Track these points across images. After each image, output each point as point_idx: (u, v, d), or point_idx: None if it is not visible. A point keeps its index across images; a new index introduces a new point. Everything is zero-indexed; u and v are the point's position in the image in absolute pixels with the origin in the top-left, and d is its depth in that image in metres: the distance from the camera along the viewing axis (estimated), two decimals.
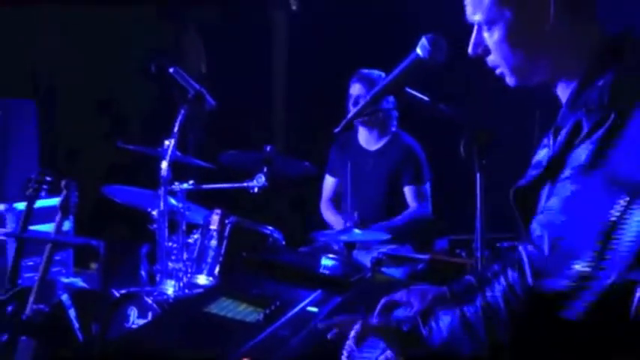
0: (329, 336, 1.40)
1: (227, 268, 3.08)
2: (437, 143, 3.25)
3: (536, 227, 1.28)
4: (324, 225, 3.81)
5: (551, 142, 1.38)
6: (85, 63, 4.98)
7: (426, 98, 1.92)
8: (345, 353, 1.39)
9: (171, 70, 3.12)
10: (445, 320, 1.33)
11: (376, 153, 3.76)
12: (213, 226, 3.15)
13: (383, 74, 3.44)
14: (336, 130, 1.87)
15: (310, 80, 4.64)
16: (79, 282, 3.87)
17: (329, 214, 3.85)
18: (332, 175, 3.90)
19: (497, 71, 1.44)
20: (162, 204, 3.08)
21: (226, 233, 3.13)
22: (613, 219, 1.20)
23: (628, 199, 1.20)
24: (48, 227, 3.55)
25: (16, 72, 4.79)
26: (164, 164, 3.06)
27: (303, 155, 3.56)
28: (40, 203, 3.34)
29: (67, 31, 5.02)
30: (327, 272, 1.92)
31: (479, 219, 2.00)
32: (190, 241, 3.21)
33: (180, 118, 3.10)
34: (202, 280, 3.11)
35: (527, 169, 1.45)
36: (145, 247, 3.34)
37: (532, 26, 1.36)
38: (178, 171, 3.20)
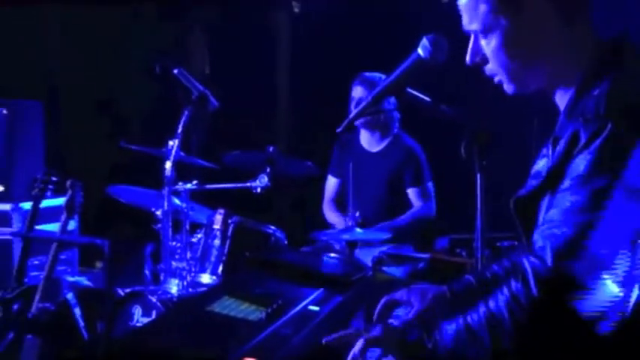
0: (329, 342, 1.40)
1: (230, 267, 3.08)
2: (438, 144, 3.24)
3: (538, 238, 1.27)
4: (326, 225, 3.80)
5: (550, 152, 1.37)
6: (90, 64, 4.98)
7: (427, 99, 1.91)
8: None
9: (175, 71, 3.12)
10: (449, 331, 1.32)
11: (378, 154, 3.75)
12: (217, 226, 3.16)
13: (385, 77, 3.43)
14: (338, 130, 1.86)
15: (313, 81, 4.63)
16: (84, 281, 3.88)
17: (331, 215, 3.84)
18: (334, 175, 3.90)
19: (496, 79, 1.43)
20: (166, 204, 3.08)
21: (229, 233, 3.13)
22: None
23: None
24: (53, 227, 3.55)
25: (23, 73, 4.79)
26: (168, 164, 3.06)
27: (306, 156, 3.56)
28: (45, 203, 3.34)
29: (71, 31, 5.02)
30: (328, 271, 1.91)
31: (479, 219, 1.99)
32: (194, 240, 3.21)
33: (184, 118, 3.10)
34: (206, 279, 3.11)
35: (527, 178, 1.45)
36: (149, 246, 3.34)
37: (529, 34, 1.35)
38: (182, 171, 3.19)
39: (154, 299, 2.91)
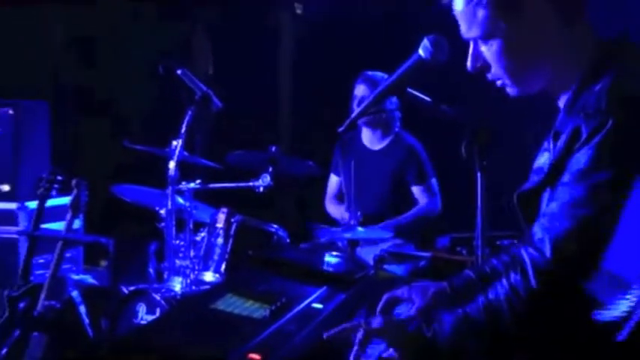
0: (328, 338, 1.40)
1: (233, 265, 3.08)
2: (438, 143, 3.24)
3: (537, 231, 1.28)
4: (328, 222, 3.80)
5: (551, 146, 1.37)
6: (95, 64, 4.98)
7: (427, 99, 1.91)
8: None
9: (178, 72, 3.12)
10: (448, 320, 1.32)
11: (379, 152, 3.76)
12: (220, 225, 3.15)
13: (387, 76, 3.43)
14: (340, 129, 1.86)
15: (314, 82, 4.63)
16: (89, 279, 3.88)
17: (332, 208, 3.86)
18: (336, 173, 3.91)
19: (498, 83, 1.43)
20: (169, 203, 3.08)
21: (232, 231, 3.13)
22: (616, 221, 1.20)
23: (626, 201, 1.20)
24: (59, 225, 3.55)
25: (29, 73, 4.79)
26: (172, 164, 3.06)
27: (307, 155, 3.56)
28: (51, 202, 3.35)
29: (76, 32, 5.02)
30: (331, 269, 1.91)
31: (479, 217, 1.99)
32: (197, 239, 3.21)
33: (187, 119, 3.10)
34: (209, 277, 3.11)
35: (530, 173, 1.45)
36: (153, 244, 3.34)
37: (529, 36, 1.34)
38: (186, 171, 3.19)
39: (157, 297, 2.91)
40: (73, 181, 3.20)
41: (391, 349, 1.39)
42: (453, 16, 1.42)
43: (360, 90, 3.63)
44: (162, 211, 3.13)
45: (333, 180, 3.93)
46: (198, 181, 3.23)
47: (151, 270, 3.31)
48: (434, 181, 3.72)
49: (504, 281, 1.27)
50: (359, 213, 3.31)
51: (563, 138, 1.30)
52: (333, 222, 3.77)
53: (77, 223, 3.59)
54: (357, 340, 1.41)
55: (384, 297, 1.65)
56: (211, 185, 3.27)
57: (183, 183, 3.18)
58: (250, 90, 4.62)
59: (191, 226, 3.16)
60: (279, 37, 5.03)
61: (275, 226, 3.23)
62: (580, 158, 1.24)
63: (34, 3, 4.84)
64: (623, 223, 1.21)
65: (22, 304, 3.06)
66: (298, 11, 4.89)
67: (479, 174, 1.94)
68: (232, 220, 3.15)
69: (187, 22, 5.05)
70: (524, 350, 1.30)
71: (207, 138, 4.68)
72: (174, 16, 4.90)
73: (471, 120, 1.93)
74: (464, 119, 1.94)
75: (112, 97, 4.92)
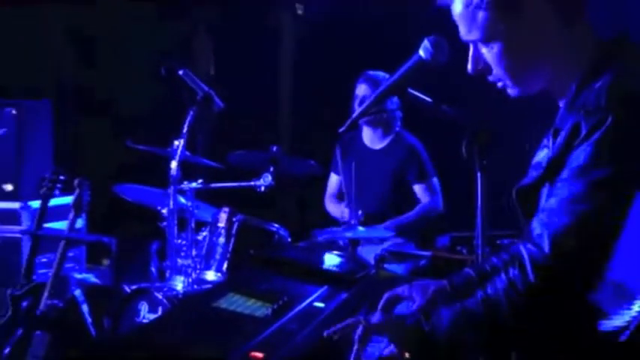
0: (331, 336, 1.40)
1: (235, 264, 3.08)
2: (439, 143, 3.24)
3: (536, 226, 1.28)
4: (329, 222, 3.80)
5: (550, 143, 1.37)
6: (97, 64, 4.98)
7: (428, 99, 1.91)
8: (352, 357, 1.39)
9: (180, 72, 3.12)
10: (446, 314, 1.32)
11: (380, 152, 3.76)
12: (222, 224, 3.15)
13: (388, 76, 3.43)
14: (341, 129, 1.86)
15: (315, 83, 4.63)
16: (92, 278, 3.88)
17: (332, 206, 3.86)
18: (336, 173, 3.90)
19: (499, 84, 1.43)
20: (171, 202, 3.08)
21: (234, 231, 3.13)
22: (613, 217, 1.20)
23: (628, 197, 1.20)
24: (61, 225, 3.55)
25: (31, 73, 4.79)
26: (174, 164, 3.06)
27: (308, 155, 3.56)
28: (54, 201, 3.35)
29: (78, 32, 5.01)
30: (332, 268, 1.91)
31: (479, 217, 1.98)
32: (199, 238, 3.21)
33: (189, 119, 3.10)
34: (211, 275, 3.11)
35: (528, 169, 1.45)
36: (155, 244, 3.34)
37: (530, 37, 1.34)
38: (187, 170, 3.19)
39: (160, 296, 2.91)
40: (76, 181, 3.20)
41: (391, 346, 1.39)
42: (451, 18, 1.42)
43: (361, 89, 3.63)
44: (164, 211, 3.13)
45: (333, 179, 3.93)
46: (200, 181, 3.23)
47: (153, 269, 3.31)
48: (435, 180, 3.72)
49: (503, 276, 1.28)
50: (360, 212, 3.31)
51: (562, 134, 1.30)
52: (332, 222, 3.77)
53: (80, 223, 3.60)
54: (356, 338, 1.41)
55: (385, 295, 1.65)
56: (213, 185, 3.27)
57: (185, 182, 3.18)
58: (251, 90, 4.61)
59: (193, 225, 3.16)
60: (280, 38, 5.03)
61: (276, 225, 3.23)
62: (579, 155, 1.24)
63: (34, 3, 4.84)
64: (627, 232, 1.20)
65: (24, 303, 3.06)
66: (299, 12, 4.89)
67: (479, 174, 1.93)
68: (234, 219, 3.15)
69: (189, 23, 5.05)
70: (522, 346, 1.30)
71: (209, 138, 4.68)
72: (175, 16, 4.90)
73: (471, 120, 1.93)
74: (464, 119, 1.94)
75: (113, 97, 4.92)
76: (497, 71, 1.39)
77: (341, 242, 3.48)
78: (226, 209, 3.17)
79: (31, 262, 3.19)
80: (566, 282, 1.22)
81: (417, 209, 3.68)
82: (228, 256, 3.11)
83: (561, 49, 1.35)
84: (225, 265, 3.10)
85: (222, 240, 3.13)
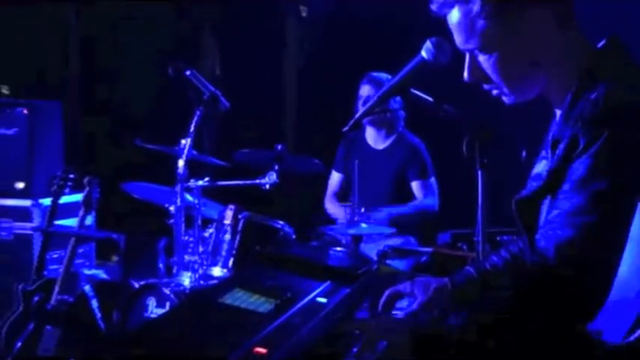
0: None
1: (240, 260, 3.08)
2: (440, 142, 3.23)
3: (540, 239, 1.27)
4: (330, 219, 3.80)
5: (549, 154, 1.37)
6: (106, 64, 4.99)
7: (430, 99, 1.91)
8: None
9: (187, 72, 3.12)
10: (450, 309, 1.33)
11: (383, 151, 3.75)
12: (227, 221, 3.15)
13: (391, 77, 3.43)
14: (345, 129, 1.86)
15: (319, 83, 4.63)
16: (101, 274, 3.88)
17: (332, 206, 3.86)
18: (338, 171, 3.91)
19: (494, 92, 1.42)
20: (179, 200, 3.08)
21: (239, 228, 3.13)
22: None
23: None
24: (72, 222, 3.55)
25: (42, 73, 4.80)
26: (181, 162, 3.06)
27: (313, 154, 3.56)
28: (64, 199, 3.36)
29: (89, 32, 5.02)
30: (335, 265, 1.91)
31: (480, 214, 1.98)
32: (206, 235, 3.21)
33: (195, 118, 3.10)
34: (217, 271, 3.11)
35: (527, 180, 1.44)
36: (162, 240, 3.34)
37: (528, 44, 1.33)
38: (194, 169, 3.19)
39: (167, 291, 2.92)
40: (86, 179, 3.21)
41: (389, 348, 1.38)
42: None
43: (364, 90, 3.63)
44: (172, 208, 3.13)
45: (335, 177, 3.93)
46: (206, 179, 3.23)
47: (161, 265, 3.31)
48: (433, 180, 3.72)
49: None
50: (363, 211, 3.31)
51: (561, 146, 1.29)
52: (332, 220, 3.77)
53: (89, 220, 3.60)
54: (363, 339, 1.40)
55: (387, 292, 1.65)
56: (219, 183, 3.27)
57: (192, 181, 3.18)
58: (257, 90, 4.62)
59: (199, 222, 3.16)
60: (284, 39, 5.03)
61: (281, 222, 3.23)
62: (579, 167, 1.24)
63: (45, 1, 4.83)
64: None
65: (36, 298, 3.06)
66: (303, 14, 4.88)
67: (479, 171, 1.93)
68: (239, 216, 3.15)
69: (195, 24, 5.05)
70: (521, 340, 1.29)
71: (215, 137, 4.68)
72: (182, 17, 4.90)
73: (471, 119, 1.93)
74: (465, 119, 1.94)
75: (121, 98, 4.93)
76: (493, 79, 1.38)
77: (343, 239, 3.47)
78: (232, 207, 3.17)
79: (42, 259, 3.20)
80: (573, 292, 1.21)
81: (415, 204, 3.67)
82: (234, 252, 3.11)
83: (556, 57, 1.35)
84: (230, 262, 3.10)
85: (228, 237, 3.13)
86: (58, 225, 3.45)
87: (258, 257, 1.88)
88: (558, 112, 1.39)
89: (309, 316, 1.47)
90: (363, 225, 3.26)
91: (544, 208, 1.34)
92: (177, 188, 3.07)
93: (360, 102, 3.63)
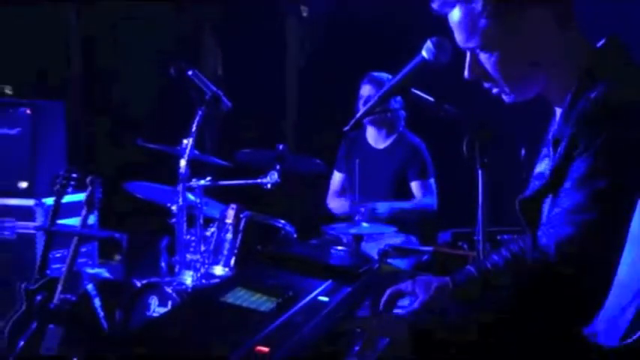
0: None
1: (242, 259, 3.07)
2: (441, 141, 3.23)
3: (542, 236, 1.27)
4: (333, 219, 3.80)
5: (551, 153, 1.36)
6: (109, 65, 4.98)
7: (431, 99, 1.90)
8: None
9: (189, 73, 3.11)
10: (450, 306, 1.32)
11: (383, 151, 3.75)
12: (229, 220, 3.15)
13: (392, 77, 3.42)
14: (346, 128, 1.86)
15: (320, 83, 4.63)
16: (104, 273, 3.88)
17: (334, 202, 3.86)
18: (340, 171, 3.90)
19: (494, 91, 1.41)
20: (180, 199, 3.08)
21: (241, 227, 3.13)
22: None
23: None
24: (74, 221, 3.55)
25: (45, 73, 4.79)
26: (183, 162, 3.05)
27: (314, 153, 3.56)
28: (67, 199, 3.35)
29: (91, 32, 5.01)
30: (337, 263, 1.91)
31: (480, 213, 1.98)
32: (207, 234, 3.21)
33: (197, 118, 3.09)
34: (219, 270, 3.10)
35: (530, 180, 1.44)
36: (164, 239, 3.34)
37: (529, 45, 1.32)
38: (196, 168, 3.19)
39: (169, 290, 2.91)
40: (88, 179, 3.21)
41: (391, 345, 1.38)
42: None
43: (365, 90, 3.63)
44: (174, 208, 3.13)
45: (337, 176, 3.92)
46: (208, 179, 3.23)
47: (163, 264, 3.31)
48: (432, 180, 3.72)
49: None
50: (363, 210, 3.30)
51: (562, 145, 1.29)
52: (335, 218, 3.77)
53: (92, 219, 3.60)
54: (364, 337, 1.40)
55: (388, 291, 1.64)
56: (221, 182, 3.27)
57: (194, 180, 3.17)
58: (258, 90, 4.61)
59: (201, 221, 3.16)
60: (285, 39, 5.03)
61: (282, 221, 3.22)
62: (579, 166, 1.24)
63: (46, 1, 4.83)
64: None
65: (39, 297, 3.06)
66: (304, 14, 4.88)
67: (480, 171, 1.93)
68: (241, 215, 3.15)
69: (196, 24, 5.04)
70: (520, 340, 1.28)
71: (217, 137, 4.68)
72: (184, 17, 4.90)
73: (472, 119, 1.92)
74: (465, 118, 1.93)
75: (124, 98, 4.93)
76: (494, 78, 1.37)
77: (345, 238, 3.47)
78: (234, 206, 3.17)
79: (45, 258, 3.20)
80: (573, 292, 1.21)
81: (414, 202, 3.67)
82: (236, 251, 3.11)
83: (556, 57, 1.34)
84: (232, 261, 3.10)
85: (229, 236, 3.13)
86: (61, 224, 3.45)
87: (260, 256, 1.88)
88: (558, 111, 1.39)
89: (311, 314, 1.46)
90: (364, 224, 3.26)
91: (546, 206, 1.34)
92: (180, 188, 3.07)
93: (361, 102, 3.62)
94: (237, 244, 3.11)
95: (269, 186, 3.19)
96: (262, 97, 4.68)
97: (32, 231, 3.71)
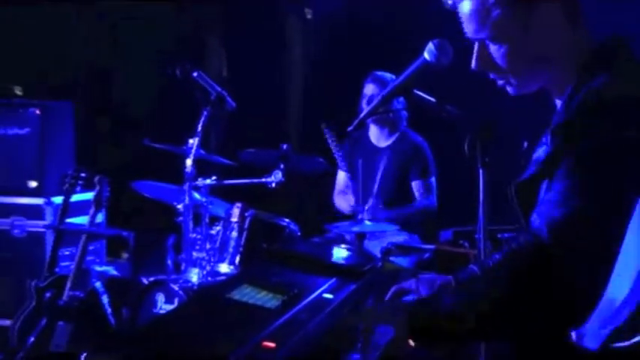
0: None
1: (247, 257, 3.08)
2: (442, 141, 3.23)
3: (535, 218, 1.28)
4: (337, 217, 3.80)
5: (549, 140, 1.37)
6: (115, 67, 4.99)
7: (432, 100, 1.90)
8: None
9: (194, 74, 3.12)
10: (448, 293, 1.33)
11: (386, 150, 3.75)
12: (234, 219, 3.16)
13: (395, 76, 3.43)
14: (350, 128, 1.86)
15: (324, 83, 4.63)
16: (112, 270, 3.90)
17: (340, 200, 3.86)
18: (343, 169, 3.90)
19: (499, 83, 1.41)
20: (187, 198, 3.09)
21: (246, 225, 3.14)
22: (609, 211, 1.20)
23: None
24: (83, 219, 3.56)
25: (54, 74, 4.80)
26: (189, 162, 3.06)
27: (317, 153, 3.56)
28: (75, 197, 3.37)
29: (98, 34, 5.02)
30: (340, 261, 1.91)
31: (481, 212, 1.98)
32: (213, 232, 3.22)
33: (203, 118, 3.10)
34: (224, 268, 3.11)
35: (527, 165, 1.44)
36: (171, 238, 3.35)
37: (539, 37, 1.33)
38: (202, 168, 3.20)
39: (176, 287, 2.93)
40: (96, 178, 3.22)
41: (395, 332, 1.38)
42: (456, 19, 1.40)
43: (369, 89, 3.63)
44: (180, 206, 3.14)
45: (341, 175, 3.92)
46: (213, 178, 3.24)
47: (170, 262, 3.32)
48: (433, 179, 3.72)
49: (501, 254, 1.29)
50: (366, 208, 3.31)
51: (560, 132, 1.30)
52: (340, 217, 3.77)
53: (100, 218, 3.61)
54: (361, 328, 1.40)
55: (392, 288, 1.65)
56: (226, 181, 3.28)
57: (200, 179, 3.18)
58: (262, 91, 4.62)
59: (207, 220, 3.17)
60: (289, 40, 5.03)
61: (286, 220, 3.23)
62: (576, 151, 1.24)
63: (46, 2, 4.83)
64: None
65: (48, 294, 3.08)
66: (308, 16, 4.88)
67: (481, 170, 1.93)
68: (246, 214, 3.16)
69: (199, 25, 5.04)
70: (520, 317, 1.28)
71: (222, 137, 4.68)
72: (188, 18, 4.90)
73: (473, 120, 1.92)
74: (467, 119, 1.94)
75: (130, 98, 4.93)
76: (501, 69, 1.38)
77: (348, 236, 3.48)
78: (239, 205, 3.18)
79: (54, 255, 3.21)
80: (565, 273, 1.21)
81: (416, 204, 3.68)
82: (241, 249, 3.11)
83: (564, 50, 1.34)
84: (237, 258, 3.11)
85: (235, 234, 3.14)
86: (70, 223, 3.46)
87: (265, 254, 1.88)
88: (559, 103, 1.39)
89: (316, 311, 1.47)
90: (367, 222, 3.27)
91: (542, 191, 1.34)
92: (186, 187, 3.08)
93: (365, 100, 3.63)
94: (243, 242, 3.12)
95: (273, 185, 3.20)
96: (266, 97, 4.69)
97: (42, 229, 3.72)
